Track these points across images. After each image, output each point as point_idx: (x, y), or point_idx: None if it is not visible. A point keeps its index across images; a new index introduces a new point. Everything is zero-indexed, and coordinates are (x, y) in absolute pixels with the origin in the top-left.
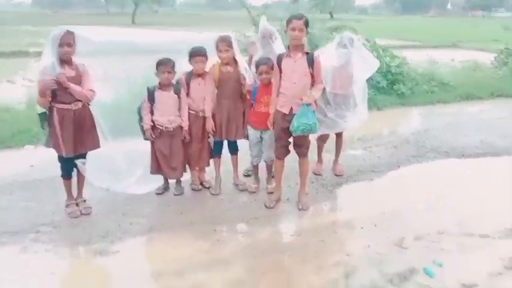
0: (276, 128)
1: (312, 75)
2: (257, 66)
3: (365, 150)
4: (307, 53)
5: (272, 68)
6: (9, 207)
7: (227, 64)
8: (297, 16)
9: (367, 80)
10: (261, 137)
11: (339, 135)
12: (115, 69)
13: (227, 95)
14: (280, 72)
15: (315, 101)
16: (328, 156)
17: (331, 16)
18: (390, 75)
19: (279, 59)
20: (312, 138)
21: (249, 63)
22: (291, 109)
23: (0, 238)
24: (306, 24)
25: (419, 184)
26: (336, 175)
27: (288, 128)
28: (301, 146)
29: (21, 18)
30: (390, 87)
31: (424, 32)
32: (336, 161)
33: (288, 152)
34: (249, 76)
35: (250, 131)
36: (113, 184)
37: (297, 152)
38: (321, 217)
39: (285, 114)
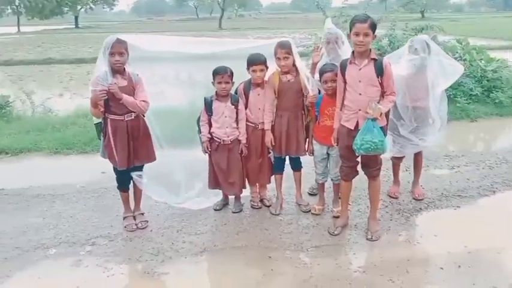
0: (340, 146)
1: (382, 85)
2: (321, 74)
3: (452, 170)
4: (375, 60)
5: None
6: (72, 216)
7: (287, 73)
8: (361, 18)
9: (457, 87)
10: (327, 153)
11: (418, 153)
12: (172, 77)
13: (287, 107)
14: (344, 81)
15: (386, 115)
16: (406, 176)
17: (423, 16)
18: (486, 81)
19: (342, 66)
20: (387, 155)
21: (313, 72)
22: (357, 124)
23: (58, 248)
24: (372, 27)
25: None
26: (415, 199)
27: None
28: (370, 166)
29: (119, 27)
30: (486, 95)
31: None
32: (415, 182)
33: (356, 173)
34: (312, 86)
35: (316, 146)
36: (171, 198)
37: (365, 173)
38: (392, 250)
39: (350, 129)
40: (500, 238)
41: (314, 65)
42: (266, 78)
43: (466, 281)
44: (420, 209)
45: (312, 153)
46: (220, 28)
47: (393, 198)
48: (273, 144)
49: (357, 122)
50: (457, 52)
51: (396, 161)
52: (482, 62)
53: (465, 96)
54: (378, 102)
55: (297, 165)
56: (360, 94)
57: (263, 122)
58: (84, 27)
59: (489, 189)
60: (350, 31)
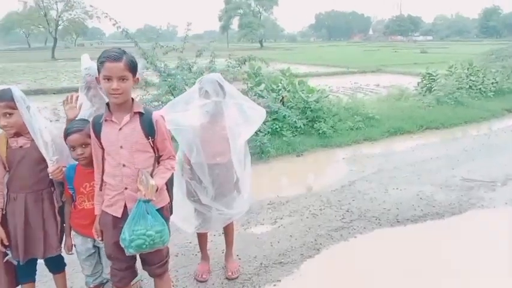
0: (106, 242)
1: (155, 148)
2: (65, 137)
3: (274, 225)
4: (140, 114)
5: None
6: None
7: (18, 135)
8: (112, 55)
9: (283, 119)
10: (95, 246)
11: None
12: None
13: (23, 185)
14: (101, 147)
15: (168, 188)
16: (217, 246)
17: (261, 45)
18: (309, 111)
19: (95, 125)
20: (190, 230)
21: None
22: (125, 209)
23: None
24: (131, 67)
25: (345, 274)
26: (228, 278)
27: None
28: (152, 263)
29: None
30: (310, 125)
31: (349, 57)
32: (228, 254)
33: (134, 274)
34: (53, 154)
35: (77, 238)
36: None
37: (148, 272)
38: None
39: (116, 218)
40: None
41: (69, 121)
42: None
43: None
44: None
45: (71, 249)
46: (54, 58)
47: (201, 281)
48: (6, 244)
49: (125, 206)
50: (280, 83)
51: (202, 237)
52: (304, 92)
53: (291, 129)
54: (152, 174)
55: (55, 266)
56: (124, 165)
57: None
58: None
59: (313, 246)
60: (98, 73)
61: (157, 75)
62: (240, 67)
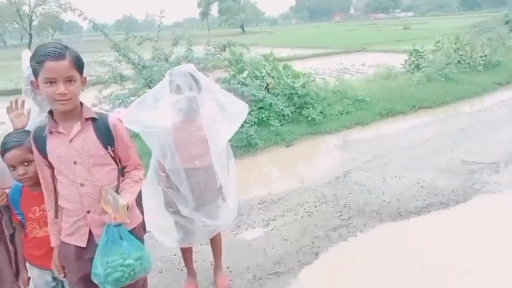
0: (70, 279)
1: (116, 158)
2: (2, 153)
3: (267, 228)
4: (93, 120)
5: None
6: None
7: None
8: (53, 52)
9: (269, 108)
10: (55, 278)
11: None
12: None
13: None
14: (49, 166)
15: (138, 203)
16: (205, 258)
17: (243, 30)
18: (296, 97)
19: (37, 140)
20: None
21: None
22: (90, 235)
23: None
24: (78, 65)
25: (347, 281)
26: None
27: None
28: None
29: None
30: (298, 113)
31: (332, 38)
32: (216, 267)
33: None
34: None
35: (33, 271)
36: None
37: None
38: None
39: (80, 248)
40: None
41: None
42: None
43: None
44: None
45: (27, 284)
46: None
47: None
48: None
49: (89, 233)
50: (263, 69)
51: (186, 253)
52: (289, 78)
53: (278, 118)
54: (118, 190)
55: None
56: (82, 184)
57: None
58: None
59: (310, 251)
60: (36, 76)
61: (133, 68)
62: (220, 54)
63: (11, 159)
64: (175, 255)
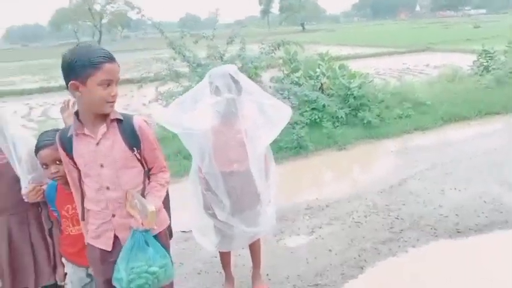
0: (96, 278)
1: (142, 160)
2: (36, 152)
3: (311, 236)
4: (119, 121)
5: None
6: None
7: None
8: (109, 54)
9: (323, 109)
10: (89, 274)
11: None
12: None
13: (3, 207)
14: (76, 167)
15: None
16: (245, 263)
17: (303, 28)
18: (352, 99)
19: (63, 142)
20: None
21: None
22: (116, 239)
23: None
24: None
25: None
26: None
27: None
28: None
29: None
30: (353, 115)
31: (396, 36)
32: (255, 274)
33: None
34: (29, 172)
35: (68, 266)
36: None
37: None
38: None
39: (105, 251)
40: None
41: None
42: None
43: None
44: None
45: (63, 279)
46: None
47: None
48: None
49: (115, 236)
50: (318, 69)
51: (224, 256)
52: (345, 78)
53: (331, 120)
54: (143, 193)
55: None
56: (108, 188)
57: None
58: None
59: (356, 264)
60: (77, 77)
61: (188, 66)
62: (274, 53)
63: (44, 157)
64: (215, 257)
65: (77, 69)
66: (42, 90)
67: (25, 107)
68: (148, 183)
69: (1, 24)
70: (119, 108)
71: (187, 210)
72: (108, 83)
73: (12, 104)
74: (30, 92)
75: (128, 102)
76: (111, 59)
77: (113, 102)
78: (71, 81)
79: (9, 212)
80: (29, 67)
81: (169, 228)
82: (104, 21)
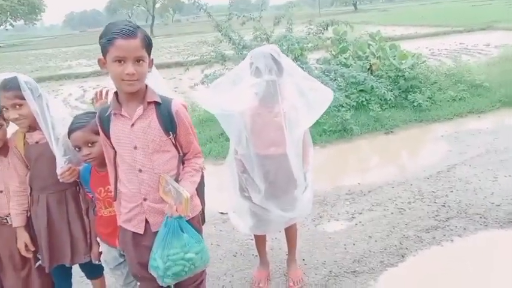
0: (129, 261)
1: (177, 145)
2: (68, 135)
3: (351, 222)
4: (156, 104)
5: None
6: None
7: (32, 129)
8: (125, 30)
9: (371, 91)
10: (121, 254)
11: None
12: None
13: (43, 185)
14: (112, 147)
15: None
16: (281, 246)
17: (355, 8)
18: (402, 80)
19: (102, 120)
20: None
21: None
22: (147, 223)
23: None
24: (147, 45)
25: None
26: (291, 287)
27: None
28: (185, 284)
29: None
30: (403, 97)
31: (454, 14)
32: (290, 260)
33: None
34: (65, 153)
35: (103, 246)
36: None
37: None
38: None
39: (137, 235)
40: None
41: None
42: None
43: None
44: None
45: (98, 257)
46: (152, 35)
47: None
48: (32, 249)
49: (146, 221)
50: (368, 49)
51: (259, 240)
52: (396, 58)
53: (379, 102)
54: (177, 178)
55: (92, 272)
56: (141, 170)
57: (9, 214)
58: (8, 46)
59: (396, 252)
60: (104, 54)
61: (233, 49)
62: (322, 33)
63: (75, 140)
64: (252, 239)
65: (101, 45)
66: (96, 74)
67: (79, 90)
68: (183, 169)
69: (61, 11)
70: (169, 90)
71: (226, 192)
72: (121, 60)
73: (68, 87)
74: (85, 76)
75: (177, 84)
76: (126, 34)
77: (130, 80)
78: (98, 58)
79: (49, 191)
80: (85, 52)
81: (202, 213)
82: (157, 5)
